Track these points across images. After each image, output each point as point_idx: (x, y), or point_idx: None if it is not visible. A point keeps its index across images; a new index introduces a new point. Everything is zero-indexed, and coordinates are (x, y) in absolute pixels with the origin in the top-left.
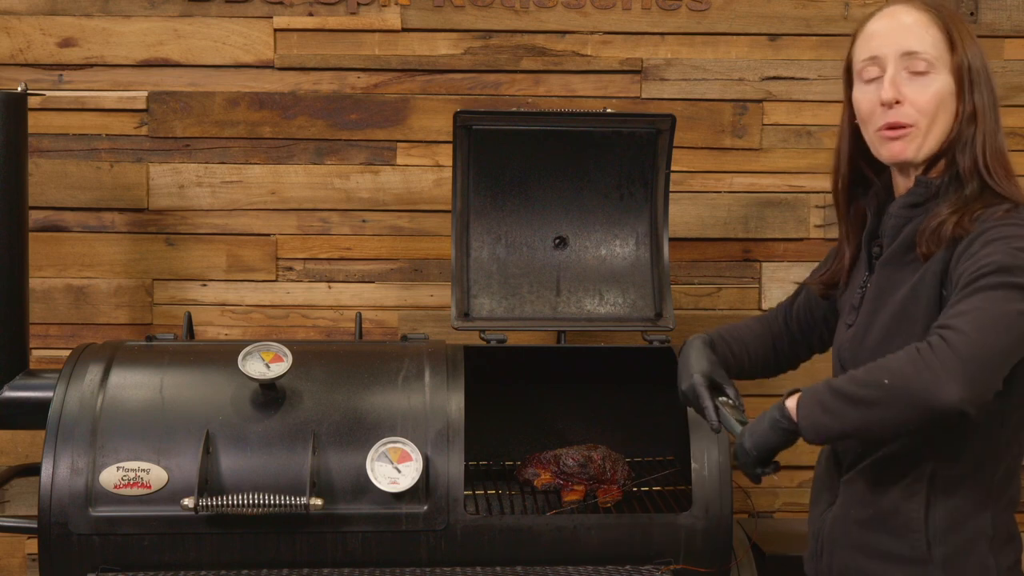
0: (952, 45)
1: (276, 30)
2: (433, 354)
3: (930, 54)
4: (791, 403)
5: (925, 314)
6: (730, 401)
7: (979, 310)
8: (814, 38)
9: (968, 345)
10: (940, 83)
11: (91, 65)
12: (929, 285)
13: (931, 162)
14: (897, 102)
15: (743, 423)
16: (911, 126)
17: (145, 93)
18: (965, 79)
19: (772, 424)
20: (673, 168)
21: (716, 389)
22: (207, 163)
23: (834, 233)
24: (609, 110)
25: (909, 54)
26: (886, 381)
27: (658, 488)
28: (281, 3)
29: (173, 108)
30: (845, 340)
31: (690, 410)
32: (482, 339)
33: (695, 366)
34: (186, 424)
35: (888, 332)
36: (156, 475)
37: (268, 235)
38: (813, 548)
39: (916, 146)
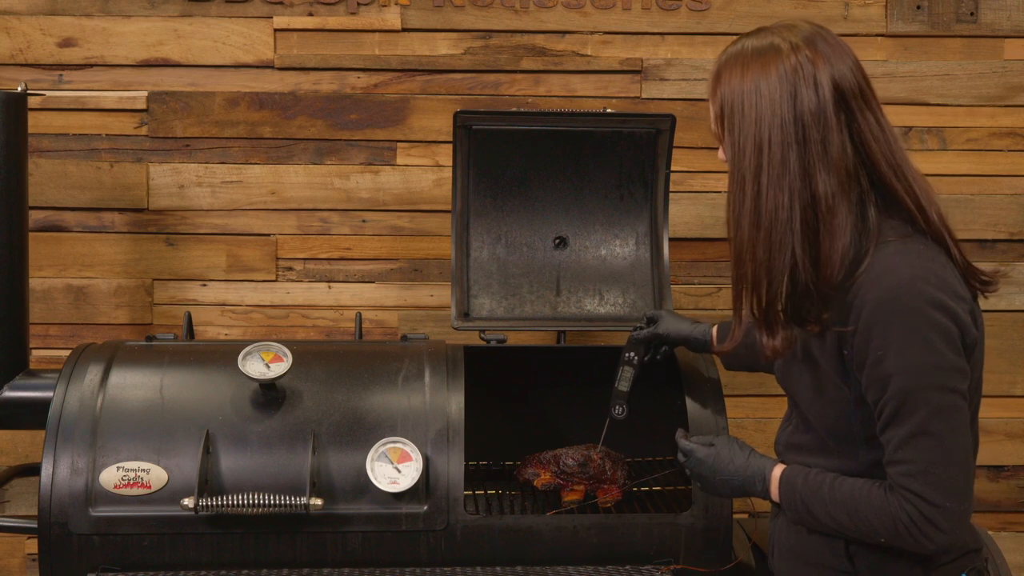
0: (711, 93)
1: (276, 30)
2: (433, 354)
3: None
4: (774, 488)
5: (831, 369)
6: (634, 359)
7: (934, 465)
8: None
9: (948, 518)
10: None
11: (91, 65)
12: (830, 345)
13: None
14: None
15: (625, 390)
16: None
17: (145, 93)
18: (722, 121)
19: (747, 488)
20: (673, 168)
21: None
22: (207, 163)
23: None
24: (609, 110)
25: None
26: (882, 540)
27: (658, 488)
28: (281, 3)
29: (173, 108)
30: (779, 367)
31: (690, 411)
32: (482, 339)
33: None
34: (186, 424)
35: (805, 374)
36: (156, 475)
37: (268, 235)
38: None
39: None
